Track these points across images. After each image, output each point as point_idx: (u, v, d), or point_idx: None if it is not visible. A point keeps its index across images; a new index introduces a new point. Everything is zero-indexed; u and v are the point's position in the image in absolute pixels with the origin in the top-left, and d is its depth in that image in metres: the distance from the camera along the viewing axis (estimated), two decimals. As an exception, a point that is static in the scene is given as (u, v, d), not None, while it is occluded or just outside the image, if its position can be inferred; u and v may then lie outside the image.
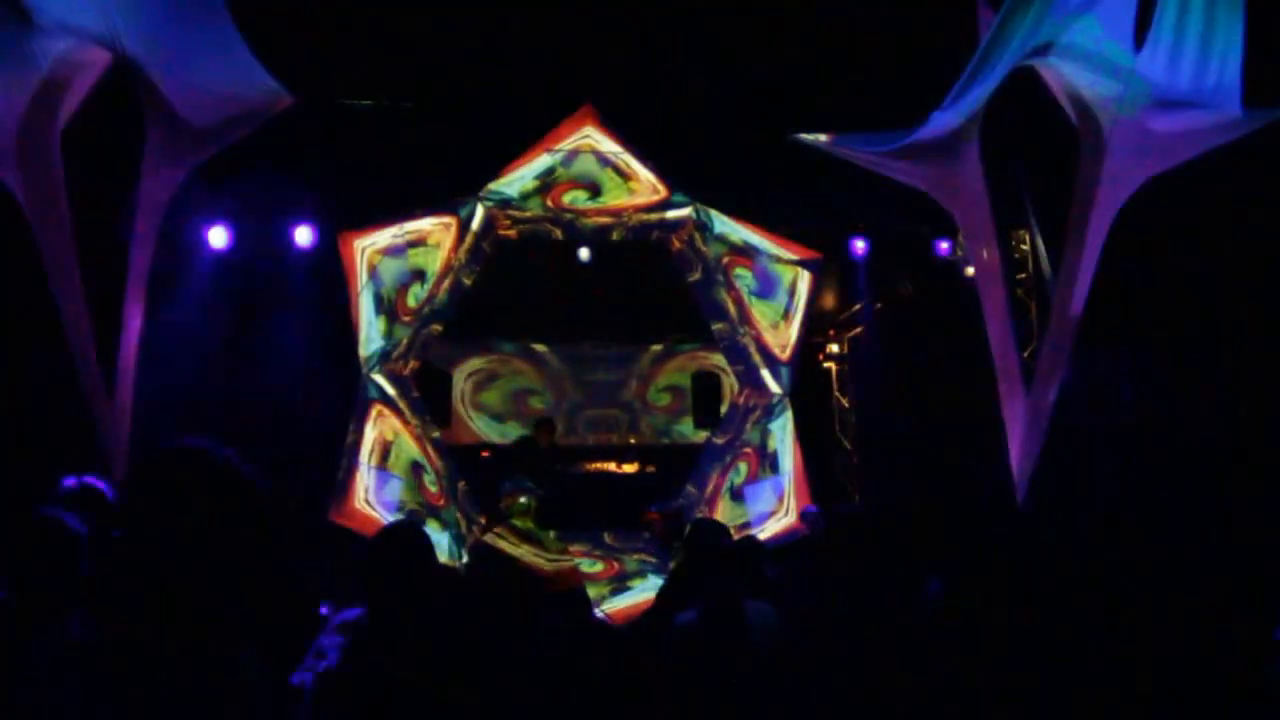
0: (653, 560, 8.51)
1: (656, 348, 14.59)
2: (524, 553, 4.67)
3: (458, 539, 8.51)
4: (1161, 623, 2.70)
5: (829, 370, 14.63)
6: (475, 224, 9.13)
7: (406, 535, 3.20)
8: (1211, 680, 2.59)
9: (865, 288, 12.14)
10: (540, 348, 14.33)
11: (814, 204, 10.25)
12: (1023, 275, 10.73)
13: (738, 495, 9.53)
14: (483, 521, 8.86)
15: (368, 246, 8.75)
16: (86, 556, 2.93)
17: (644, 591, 7.88)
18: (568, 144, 8.93)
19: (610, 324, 13.94)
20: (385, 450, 8.77)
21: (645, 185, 9.25)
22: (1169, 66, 6.53)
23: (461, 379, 14.01)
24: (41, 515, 3.03)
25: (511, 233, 9.50)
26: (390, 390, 8.89)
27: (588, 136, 8.97)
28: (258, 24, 6.44)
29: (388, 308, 8.85)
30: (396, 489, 8.66)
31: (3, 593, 2.91)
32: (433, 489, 8.87)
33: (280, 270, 10.35)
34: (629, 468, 12.65)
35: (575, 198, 9.26)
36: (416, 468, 8.87)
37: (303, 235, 9.97)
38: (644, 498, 9.35)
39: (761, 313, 9.57)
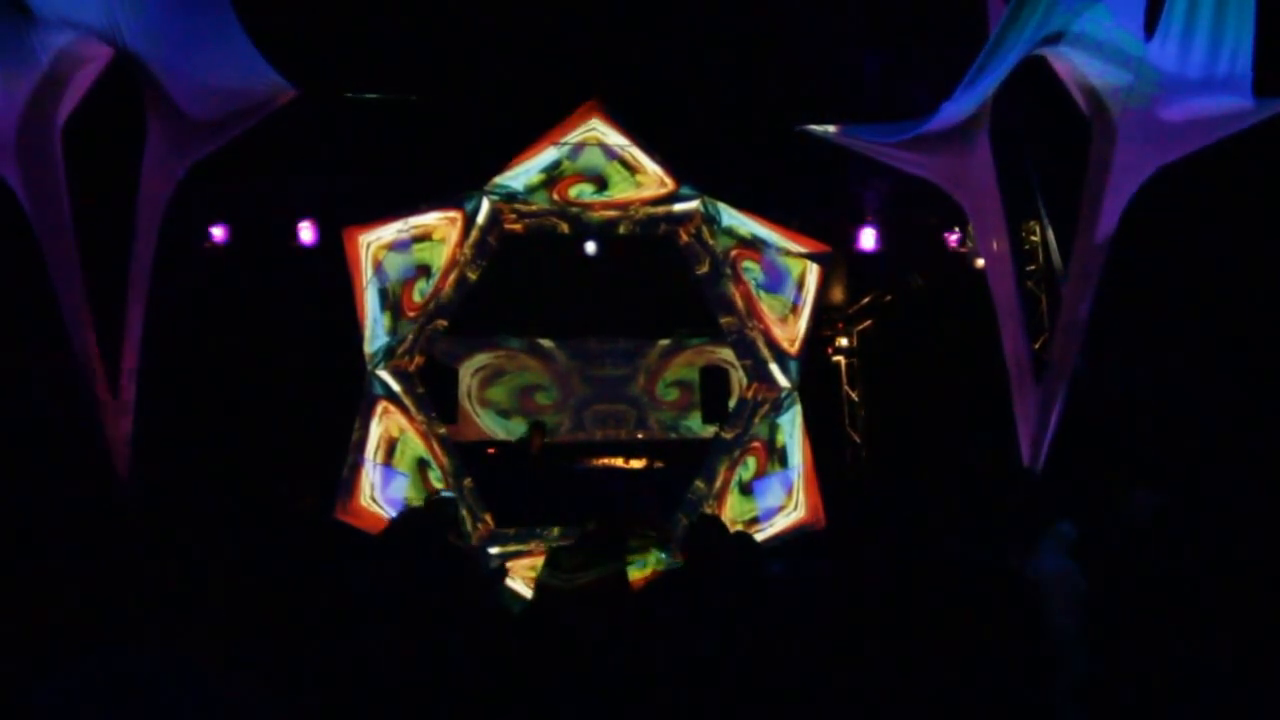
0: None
1: (664, 342, 14.54)
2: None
3: (462, 536, 8.48)
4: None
5: (838, 364, 14.59)
6: (481, 218, 9.07)
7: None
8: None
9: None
10: (547, 343, 14.29)
11: (822, 196, 10.19)
12: (1033, 267, 10.66)
13: (746, 490, 9.45)
14: (487, 519, 8.88)
15: (372, 241, 8.71)
16: None
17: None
18: (574, 137, 8.89)
19: (617, 318, 13.89)
20: (391, 447, 8.75)
21: (652, 178, 9.20)
22: (1180, 55, 6.47)
23: (468, 375, 13.99)
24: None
25: (517, 227, 9.44)
26: (395, 386, 8.86)
27: (594, 129, 8.93)
28: (260, 17, 6.40)
29: (393, 303, 8.82)
30: (402, 486, 8.65)
31: None
32: (439, 485, 8.83)
33: (284, 265, 10.33)
34: (637, 463, 12.59)
35: (581, 191, 9.21)
36: (422, 464, 8.83)
37: (306, 230, 9.94)
38: (649, 491, 9.30)
39: (770, 306, 9.50)
